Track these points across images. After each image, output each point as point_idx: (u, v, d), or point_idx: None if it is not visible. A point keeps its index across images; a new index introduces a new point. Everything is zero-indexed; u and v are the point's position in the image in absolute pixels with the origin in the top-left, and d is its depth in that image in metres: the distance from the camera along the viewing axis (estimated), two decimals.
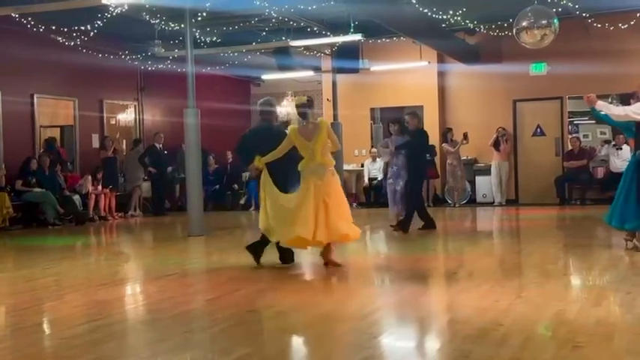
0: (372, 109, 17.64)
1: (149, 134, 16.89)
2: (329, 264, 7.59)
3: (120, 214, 15.39)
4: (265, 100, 8.14)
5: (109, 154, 15.57)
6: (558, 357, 4.00)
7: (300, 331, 5.08)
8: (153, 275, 7.79)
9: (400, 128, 11.08)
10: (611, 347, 4.16)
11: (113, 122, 16.72)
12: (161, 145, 16.24)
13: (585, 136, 16.44)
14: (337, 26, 14.59)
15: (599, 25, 14.17)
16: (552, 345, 4.31)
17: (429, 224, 10.88)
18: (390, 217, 11.32)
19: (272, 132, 7.84)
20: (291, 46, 15.41)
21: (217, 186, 17.61)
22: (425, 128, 11.28)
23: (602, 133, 16.09)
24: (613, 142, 15.17)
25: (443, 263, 8.40)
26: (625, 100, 8.18)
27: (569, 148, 15.96)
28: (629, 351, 4.05)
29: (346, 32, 14.28)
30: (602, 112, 7.75)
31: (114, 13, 12.23)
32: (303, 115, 7.59)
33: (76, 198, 14.40)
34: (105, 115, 16.37)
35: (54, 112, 15.95)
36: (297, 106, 7.69)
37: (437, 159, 16.48)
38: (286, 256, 7.86)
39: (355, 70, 16.00)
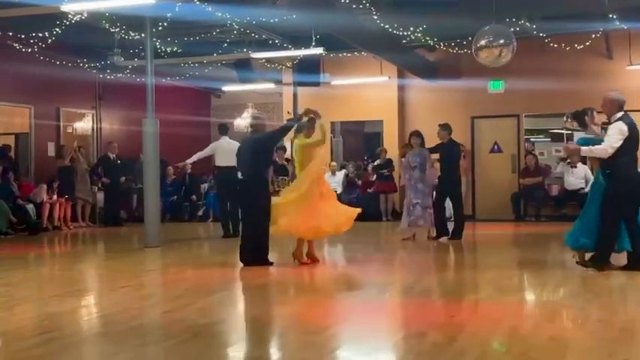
0: (333, 123, 17.69)
1: (107, 143, 16.70)
2: (311, 260, 8.58)
3: (74, 225, 15.13)
4: (254, 113, 8.85)
5: (66, 162, 15.31)
6: None
7: (256, 345, 5.04)
8: (107, 287, 7.68)
9: (421, 141, 11.58)
10: None
11: (70, 131, 16.48)
12: (115, 155, 16.03)
13: (541, 153, 16.74)
14: (299, 39, 14.64)
15: (555, 45, 14.45)
16: None
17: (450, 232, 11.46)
18: (401, 229, 11.66)
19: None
20: (253, 58, 15.41)
21: (175, 197, 17.46)
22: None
23: (557, 150, 16.39)
24: (568, 160, 15.45)
25: (400, 277, 8.43)
26: (579, 116, 8.16)
27: (525, 165, 16.21)
28: None
29: (308, 46, 14.32)
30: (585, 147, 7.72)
31: (73, 21, 12.08)
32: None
33: (30, 207, 14.12)
34: (62, 123, 16.13)
35: (9, 120, 15.67)
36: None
37: (395, 173, 16.56)
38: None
39: (316, 84, 16.04)
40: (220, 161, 12.56)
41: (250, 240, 8.57)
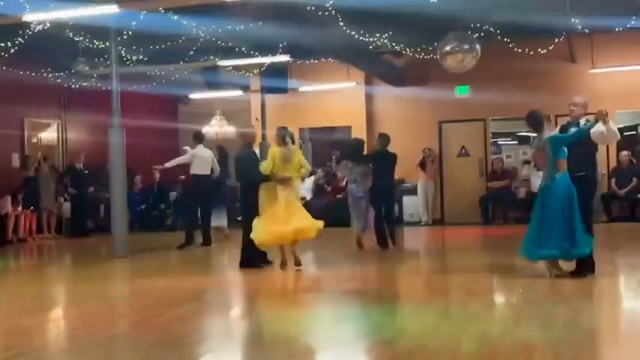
0: (301, 129, 17.67)
1: (72, 153, 16.50)
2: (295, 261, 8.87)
3: (40, 236, 14.91)
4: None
5: (30, 173, 15.09)
6: None
7: (227, 354, 5.02)
8: (75, 299, 7.59)
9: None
10: None
11: (35, 141, 16.26)
12: (81, 165, 15.85)
13: (508, 156, 16.88)
14: (265, 47, 14.60)
15: (519, 50, 14.62)
16: None
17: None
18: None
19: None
20: (219, 66, 15.35)
21: (143, 206, 17.30)
22: (369, 148, 11.71)
23: (523, 153, 16.55)
24: (533, 164, 15.59)
25: (370, 284, 8.45)
26: (537, 119, 8.03)
27: (493, 168, 16.36)
28: None
29: (274, 53, 14.31)
30: (598, 129, 7.29)
31: (35, 31, 11.93)
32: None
33: None
34: (26, 133, 15.91)
35: None
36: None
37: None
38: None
39: (284, 91, 16.03)
40: (196, 169, 12.42)
41: (249, 241, 8.89)
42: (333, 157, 17.15)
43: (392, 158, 11.59)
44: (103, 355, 4.92)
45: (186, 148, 12.78)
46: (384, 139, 11.76)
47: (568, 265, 7.63)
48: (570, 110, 7.77)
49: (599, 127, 7.33)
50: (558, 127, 7.93)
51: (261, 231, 8.69)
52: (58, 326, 6.37)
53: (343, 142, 12.40)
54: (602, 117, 7.30)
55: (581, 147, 7.50)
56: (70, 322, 6.35)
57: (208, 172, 12.41)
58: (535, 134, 7.78)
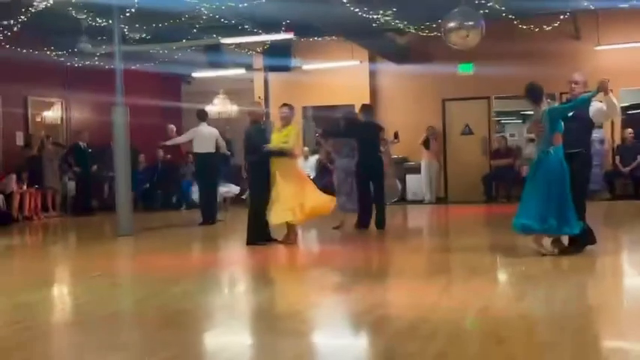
0: (305, 108, 17.66)
1: (76, 132, 16.52)
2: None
3: (45, 215, 14.98)
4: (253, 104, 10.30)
5: (34, 152, 15.13)
6: (483, 351, 4.11)
7: (229, 331, 5.06)
8: (80, 276, 7.64)
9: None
10: (532, 340, 4.30)
11: (39, 120, 16.28)
12: (85, 144, 15.89)
13: (511, 135, 16.87)
14: (269, 24, 14.54)
15: (524, 27, 14.53)
16: (477, 339, 4.42)
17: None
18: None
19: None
20: (222, 44, 15.30)
21: (147, 185, 17.34)
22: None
23: (528, 132, 16.52)
24: (536, 142, 15.53)
25: (373, 261, 8.49)
26: (537, 91, 7.88)
27: (496, 146, 16.34)
28: (549, 344, 4.19)
29: (278, 31, 14.24)
30: (597, 105, 7.20)
31: (39, 8, 11.90)
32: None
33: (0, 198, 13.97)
34: (30, 112, 15.92)
35: None
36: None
37: None
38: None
39: (287, 69, 15.98)
40: (199, 147, 12.43)
41: (255, 218, 9.01)
42: (316, 134, 16.97)
43: (377, 130, 11.09)
44: (108, 330, 4.96)
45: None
46: (369, 109, 11.45)
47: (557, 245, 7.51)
48: (571, 88, 7.60)
49: (599, 101, 7.19)
50: (558, 103, 7.80)
51: (278, 210, 8.84)
52: (64, 302, 6.42)
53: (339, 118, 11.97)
54: (604, 87, 7.07)
55: (577, 122, 7.36)
56: (76, 298, 6.40)
57: (211, 150, 12.39)
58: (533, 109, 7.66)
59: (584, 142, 7.55)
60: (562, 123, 7.29)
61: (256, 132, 9.31)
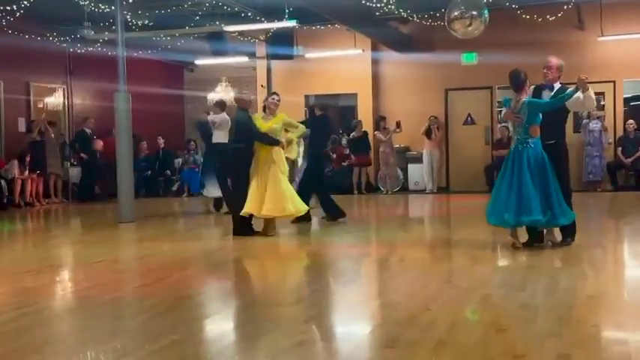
0: (307, 96, 17.63)
1: (78, 118, 16.52)
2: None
3: (47, 201, 14.99)
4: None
5: (35, 137, 15.11)
6: (483, 339, 4.11)
7: (230, 316, 5.07)
8: (81, 262, 7.65)
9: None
10: (533, 330, 4.30)
11: (41, 105, 16.27)
12: (91, 130, 15.92)
13: None
14: (271, 12, 14.51)
15: (527, 17, 14.49)
16: (478, 328, 4.43)
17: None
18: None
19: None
20: (225, 31, 15.25)
21: (149, 172, 17.35)
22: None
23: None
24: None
25: (375, 250, 8.50)
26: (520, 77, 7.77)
27: (498, 136, 16.31)
28: (550, 333, 4.19)
29: (281, 18, 14.21)
30: (575, 94, 7.08)
31: None
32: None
33: (1, 183, 13.98)
34: (32, 98, 15.92)
35: None
36: None
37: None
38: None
39: (289, 57, 15.97)
40: (218, 137, 12.08)
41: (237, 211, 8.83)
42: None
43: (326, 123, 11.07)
44: (109, 315, 4.98)
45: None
46: (322, 103, 11.37)
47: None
48: (544, 74, 7.55)
49: (578, 94, 7.14)
50: (532, 87, 7.67)
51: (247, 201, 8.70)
52: (65, 287, 6.43)
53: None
54: (583, 85, 7.08)
55: (554, 114, 7.33)
56: (77, 284, 6.41)
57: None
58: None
59: (560, 133, 7.53)
60: (540, 115, 7.27)
61: (245, 118, 9.12)
